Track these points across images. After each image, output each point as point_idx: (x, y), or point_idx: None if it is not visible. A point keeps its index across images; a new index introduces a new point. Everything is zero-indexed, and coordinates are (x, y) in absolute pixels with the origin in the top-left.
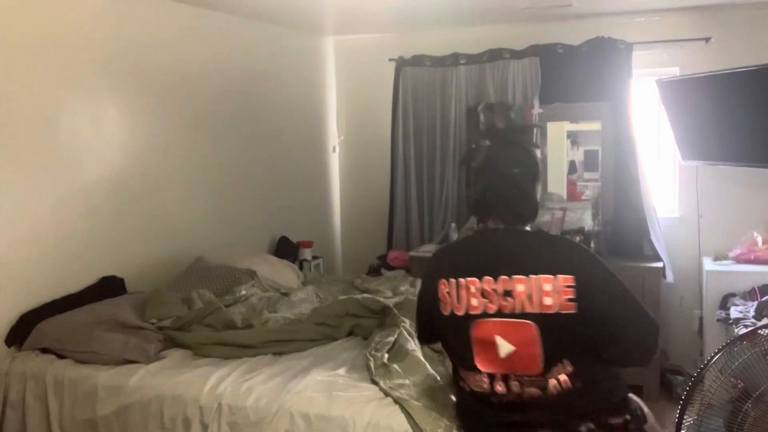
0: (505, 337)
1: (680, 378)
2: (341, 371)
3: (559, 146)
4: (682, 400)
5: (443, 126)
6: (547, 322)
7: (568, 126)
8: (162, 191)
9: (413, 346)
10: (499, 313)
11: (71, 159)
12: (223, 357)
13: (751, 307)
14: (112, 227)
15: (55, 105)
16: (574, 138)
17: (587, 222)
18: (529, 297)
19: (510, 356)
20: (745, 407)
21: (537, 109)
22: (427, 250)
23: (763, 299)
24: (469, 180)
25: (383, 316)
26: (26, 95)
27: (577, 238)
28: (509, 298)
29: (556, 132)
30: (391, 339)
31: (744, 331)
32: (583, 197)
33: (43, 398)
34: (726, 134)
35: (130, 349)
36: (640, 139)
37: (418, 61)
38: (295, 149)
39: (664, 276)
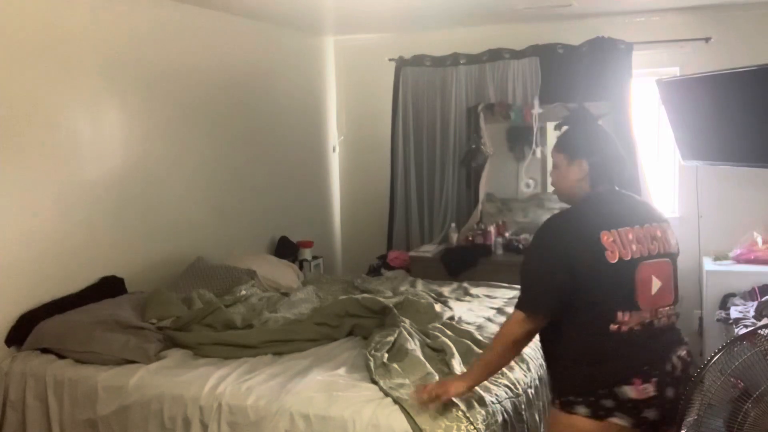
0: (657, 276)
1: None
2: (341, 371)
3: None
4: (682, 400)
5: (443, 126)
6: (674, 259)
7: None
8: (162, 191)
9: (413, 345)
10: (651, 256)
11: (71, 159)
12: (223, 357)
13: (751, 307)
14: (112, 227)
15: (55, 105)
16: None
17: None
18: (665, 238)
19: (659, 292)
20: (745, 407)
21: (537, 109)
22: (427, 250)
23: (763, 299)
24: (593, 148)
25: (383, 316)
26: (26, 95)
27: None
28: (655, 242)
29: (556, 132)
30: (391, 339)
31: (744, 331)
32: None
33: (43, 398)
34: (726, 134)
35: (130, 349)
36: (640, 139)
37: (418, 61)
38: (295, 149)
39: None
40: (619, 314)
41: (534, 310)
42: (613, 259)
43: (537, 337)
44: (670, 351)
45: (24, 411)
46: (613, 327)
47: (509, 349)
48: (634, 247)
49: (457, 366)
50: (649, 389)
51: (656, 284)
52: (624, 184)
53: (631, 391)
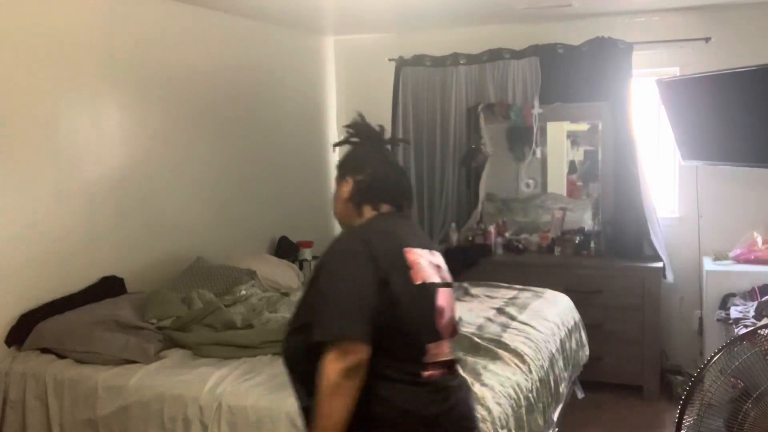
0: (446, 304)
1: (680, 378)
2: None
3: (559, 146)
4: (682, 400)
5: (443, 126)
6: (453, 290)
7: (568, 126)
8: (162, 191)
9: None
10: (440, 283)
11: (71, 159)
12: (223, 357)
13: (751, 307)
14: (112, 227)
15: (55, 105)
16: (574, 138)
17: (587, 222)
18: (445, 268)
19: (447, 322)
20: (745, 407)
21: (537, 109)
22: None
23: (763, 299)
24: (364, 166)
25: None
26: (26, 95)
27: (577, 239)
28: (439, 269)
29: (556, 132)
30: None
31: (744, 331)
32: (583, 195)
33: (43, 398)
34: (726, 134)
35: (130, 349)
36: (640, 139)
37: (418, 61)
38: (295, 149)
39: (664, 276)
40: (430, 346)
41: (354, 336)
42: (418, 280)
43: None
44: (452, 392)
45: (24, 411)
46: (421, 365)
47: (339, 401)
48: (430, 271)
49: None
50: None
51: (447, 313)
52: (405, 208)
53: None
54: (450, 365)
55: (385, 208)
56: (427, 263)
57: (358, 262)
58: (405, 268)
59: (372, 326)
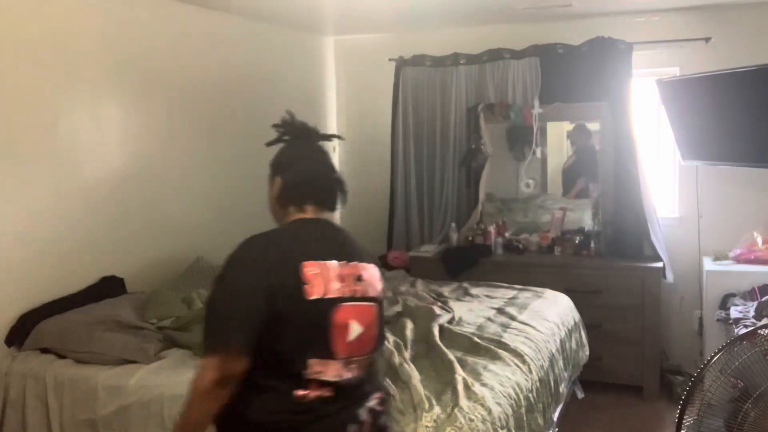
0: (357, 321)
1: (680, 378)
2: None
3: (559, 146)
4: (682, 400)
5: (443, 126)
6: (379, 304)
7: (568, 126)
8: (162, 191)
9: (398, 359)
10: (355, 297)
11: (71, 159)
12: None
13: (751, 307)
14: (112, 227)
15: (55, 105)
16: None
17: (587, 222)
18: (371, 281)
19: (356, 339)
20: (745, 407)
21: (537, 109)
22: (427, 250)
23: (763, 299)
24: (291, 165)
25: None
26: (26, 95)
27: (577, 239)
28: (359, 283)
29: (556, 132)
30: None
31: (744, 331)
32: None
33: (43, 398)
34: (726, 134)
35: (130, 349)
36: (640, 139)
37: (418, 61)
38: None
39: (664, 276)
40: (313, 362)
41: (230, 348)
42: (311, 296)
43: (540, 336)
44: (355, 407)
45: (24, 411)
46: (299, 383)
47: (206, 419)
48: (336, 284)
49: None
50: None
51: (356, 330)
52: (328, 209)
53: None
54: (342, 388)
55: (309, 208)
56: (335, 276)
57: (248, 272)
58: (298, 281)
59: (255, 336)
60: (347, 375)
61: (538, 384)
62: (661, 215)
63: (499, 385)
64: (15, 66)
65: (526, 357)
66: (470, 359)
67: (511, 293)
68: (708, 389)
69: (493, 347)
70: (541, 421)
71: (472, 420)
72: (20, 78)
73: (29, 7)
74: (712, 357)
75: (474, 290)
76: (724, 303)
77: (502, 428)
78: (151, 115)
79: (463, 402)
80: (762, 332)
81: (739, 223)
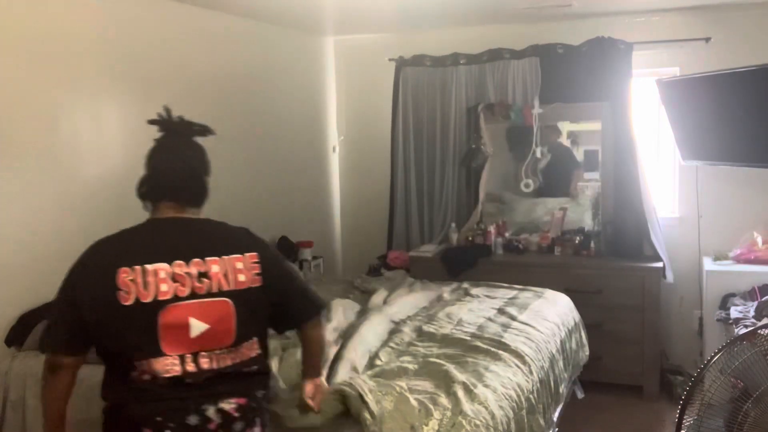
0: (199, 318)
1: (680, 378)
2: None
3: None
4: (682, 400)
5: (443, 126)
6: (241, 297)
7: (568, 126)
8: None
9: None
10: (193, 295)
11: (71, 159)
12: None
13: (751, 307)
14: (112, 227)
15: (55, 105)
16: (574, 138)
17: (587, 222)
18: (225, 276)
19: (203, 335)
20: (745, 407)
21: (537, 109)
22: (427, 250)
23: (763, 299)
24: (150, 161)
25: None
26: (26, 95)
27: (577, 239)
28: (205, 279)
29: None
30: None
31: (744, 331)
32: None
33: None
34: (726, 134)
35: None
36: (640, 139)
37: (418, 61)
38: (295, 149)
39: (664, 276)
40: (139, 362)
41: (51, 347)
42: (128, 301)
43: (540, 337)
44: (203, 402)
45: (24, 411)
46: (133, 374)
47: (51, 401)
48: (164, 287)
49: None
50: None
51: (199, 327)
52: (198, 202)
53: None
54: (181, 380)
55: (167, 204)
56: (166, 277)
57: (67, 281)
58: (113, 289)
59: (78, 337)
60: (191, 369)
61: (538, 385)
62: (661, 215)
63: (501, 386)
64: (15, 66)
65: (526, 358)
66: (471, 359)
67: (511, 293)
68: (708, 389)
69: (493, 348)
70: (542, 421)
71: (477, 426)
72: (20, 78)
73: (29, 7)
74: (712, 357)
75: (474, 290)
76: (724, 303)
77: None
78: (151, 115)
79: (467, 406)
80: (762, 332)
81: (739, 223)
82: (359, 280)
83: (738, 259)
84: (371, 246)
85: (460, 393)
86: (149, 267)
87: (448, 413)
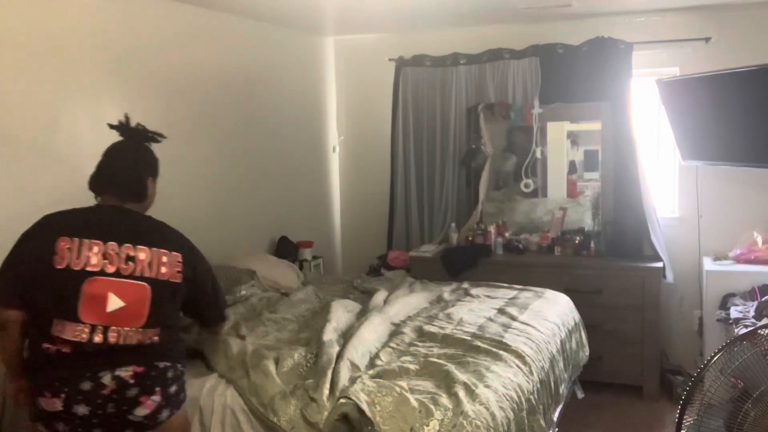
0: (117, 295)
1: (680, 378)
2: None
3: (559, 146)
4: (682, 400)
5: (443, 126)
6: (159, 286)
7: (568, 126)
8: (162, 191)
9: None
10: (117, 274)
11: (71, 159)
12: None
13: (751, 307)
14: None
15: (55, 105)
16: (574, 138)
17: (587, 222)
18: (150, 264)
19: (118, 311)
20: (745, 407)
21: (537, 109)
22: (427, 250)
23: (763, 299)
24: (100, 160)
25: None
26: (26, 95)
27: (577, 239)
28: (131, 263)
29: (556, 132)
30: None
31: (744, 331)
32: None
33: None
34: (726, 134)
35: None
36: (640, 139)
37: (418, 61)
38: (295, 149)
39: (664, 276)
40: (55, 321)
41: None
42: (60, 265)
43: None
44: (102, 369)
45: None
46: (45, 344)
47: (6, 354)
48: (94, 260)
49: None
50: (56, 404)
51: (115, 302)
52: (136, 198)
53: (42, 403)
54: (83, 349)
55: (108, 197)
56: (98, 253)
57: (18, 243)
58: (50, 253)
59: (18, 293)
60: (97, 339)
61: (539, 385)
62: (661, 215)
63: (502, 387)
64: (14, 66)
65: (527, 358)
66: (471, 359)
67: (511, 293)
68: (708, 389)
69: (494, 348)
70: (542, 422)
71: (478, 426)
72: (20, 78)
73: (28, 7)
74: (712, 357)
75: (474, 290)
76: (724, 303)
77: None
78: (151, 115)
79: (468, 407)
80: (762, 332)
81: (739, 223)
82: (359, 280)
83: (738, 259)
84: (371, 246)
85: (461, 393)
86: (86, 241)
87: (449, 414)
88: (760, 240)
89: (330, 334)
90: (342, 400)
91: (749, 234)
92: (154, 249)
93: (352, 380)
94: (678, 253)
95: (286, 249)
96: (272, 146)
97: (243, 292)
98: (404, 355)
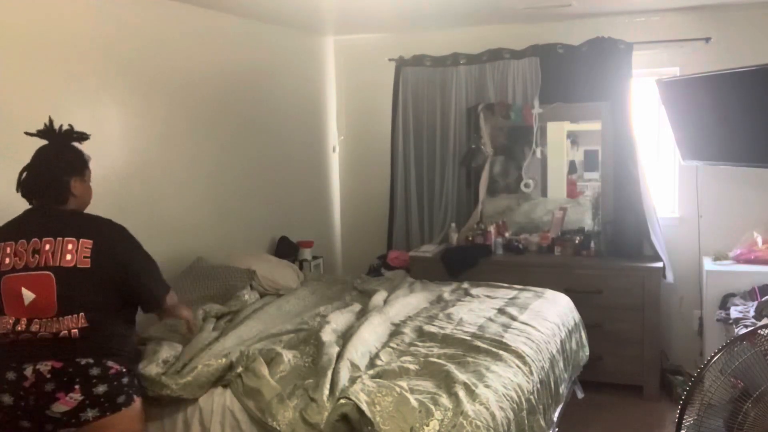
0: (28, 288)
1: (680, 378)
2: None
3: (559, 146)
4: (682, 400)
5: (443, 126)
6: (64, 273)
7: (568, 126)
8: (162, 191)
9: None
10: (25, 268)
11: None
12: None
13: (751, 307)
14: None
15: (55, 105)
16: (574, 138)
17: (587, 222)
18: (53, 253)
19: (32, 303)
20: (745, 407)
21: (537, 109)
22: (427, 250)
23: (763, 299)
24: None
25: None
26: (26, 95)
27: (577, 239)
28: (36, 255)
29: (556, 132)
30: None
31: (744, 331)
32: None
33: None
34: (726, 134)
35: None
36: (640, 139)
37: (418, 61)
38: (295, 149)
39: (664, 276)
40: None
41: None
42: None
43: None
44: (27, 361)
45: None
46: None
47: None
48: (7, 260)
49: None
50: None
51: (28, 295)
52: (59, 201)
53: None
54: (14, 341)
55: (36, 202)
56: (11, 253)
57: None
58: None
59: None
60: (25, 333)
61: (539, 385)
62: (661, 215)
63: (502, 387)
64: (14, 66)
65: (527, 358)
66: (471, 359)
67: (511, 293)
68: (708, 389)
69: (494, 348)
70: (542, 422)
71: (478, 426)
72: (20, 78)
73: (28, 7)
74: (712, 357)
75: (474, 290)
76: (724, 303)
77: None
78: (151, 115)
79: (468, 407)
80: (762, 332)
81: (739, 223)
82: (359, 280)
83: (738, 259)
84: (371, 246)
85: (461, 393)
86: (1, 244)
87: (449, 414)
88: (760, 240)
89: (329, 335)
90: (342, 401)
91: (749, 234)
92: (59, 238)
93: (352, 380)
94: (678, 253)
95: (286, 249)
96: (272, 146)
97: (246, 297)
98: (404, 355)
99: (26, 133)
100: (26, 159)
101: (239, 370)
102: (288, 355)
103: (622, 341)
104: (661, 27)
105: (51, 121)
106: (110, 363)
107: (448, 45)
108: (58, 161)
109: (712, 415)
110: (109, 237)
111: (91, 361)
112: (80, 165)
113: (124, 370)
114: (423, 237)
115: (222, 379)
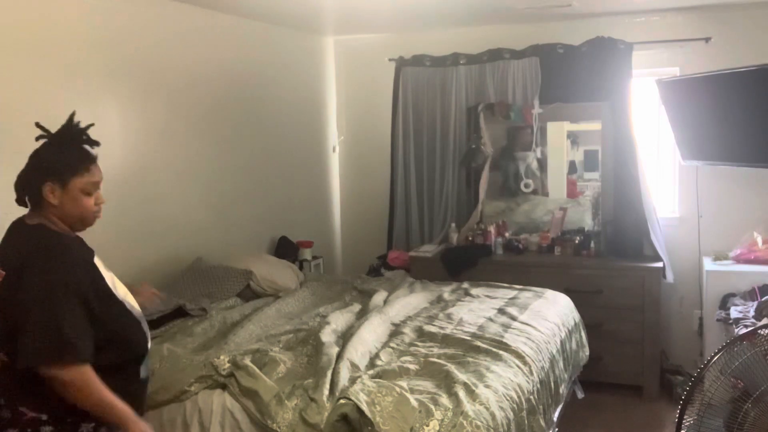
0: None
1: (680, 378)
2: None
3: (559, 146)
4: (682, 400)
5: (443, 126)
6: None
7: (568, 126)
8: (162, 191)
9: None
10: None
11: None
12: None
13: (751, 307)
14: (111, 227)
15: (55, 105)
16: (574, 138)
17: (587, 222)
18: None
19: None
20: (745, 407)
21: (537, 109)
22: (427, 250)
23: (763, 299)
24: None
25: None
26: (26, 95)
27: (577, 239)
28: None
29: (556, 132)
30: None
31: (744, 331)
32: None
33: None
34: (726, 134)
35: None
36: (640, 139)
37: (418, 61)
38: (295, 149)
39: (664, 276)
40: None
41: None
42: None
43: (541, 337)
44: None
45: None
46: None
47: None
48: None
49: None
50: None
51: None
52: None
53: None
54: None
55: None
56: None
57: None
58: None
59: None
60: None
61: (539, 385)
62: (661, 215)
63: (502, 387)
64: (14, 66)
65: (527, 358)
66: (471, 359)
67: (511, 293)
68: (708, 389)
69: (494, 348)
70: (542, 422)
71: (478, 426)
72: (19, 78)
73: (29, 7)
74: (712, 357)
75: (474, 290)
76: (724, 303)
77: None
78: (151, 115)
79: (468, 407)
80: (762, 332)
81: (739, 223)
82: (359, 280)
83: (738, 259)
84: (371, 246)
85: (461, 393)
86: None
87: (449, 413)
88: (760, 240)
89: (329, 336)
90: (342, 401)
91: (749, 234)
92: None
93: (352, 380)
94: (678, 253)
95: (286, 249)
96: (272, 146)
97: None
98: (404, 355)
99: (38, 125)
100: (25, 159)
101: (225, 370)
102: (283, 358)
103: (622, 341)
104: (661, 27)
105: (71, 117)
106: (24, 410)
107: (448, 45)
108: (27, 164)
109: (712, 415)
110: (28, 265)
111: (1, 402)
112: (54, 169)
113: (44, 418)
114: (423, 237)
115: (209, 378)
